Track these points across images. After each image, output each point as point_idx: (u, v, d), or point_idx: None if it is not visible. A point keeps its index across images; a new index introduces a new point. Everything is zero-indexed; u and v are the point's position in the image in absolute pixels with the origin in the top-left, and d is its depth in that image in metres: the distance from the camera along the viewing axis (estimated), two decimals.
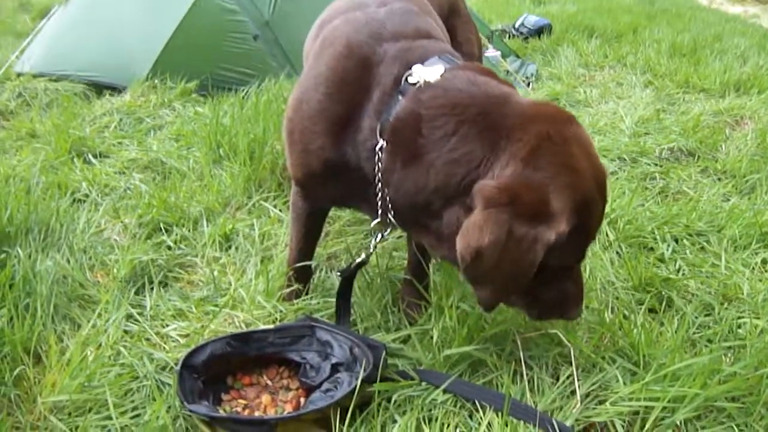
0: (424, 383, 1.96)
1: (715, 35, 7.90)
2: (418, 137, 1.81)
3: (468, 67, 1.92)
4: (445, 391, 1.91)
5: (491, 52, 6.17)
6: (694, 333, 2.30)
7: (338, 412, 1.83)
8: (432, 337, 2.15)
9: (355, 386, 1.82)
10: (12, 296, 2.38)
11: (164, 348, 2.25)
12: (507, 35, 7.83)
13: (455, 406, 1.90)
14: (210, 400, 1.96)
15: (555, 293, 1.87)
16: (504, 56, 6.18)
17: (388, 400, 1.90)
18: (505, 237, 1.61)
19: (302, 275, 2.47)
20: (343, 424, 1.81)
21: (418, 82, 1.85)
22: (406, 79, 1.87)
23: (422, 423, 1.84)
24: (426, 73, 1.86)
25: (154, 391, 1.98)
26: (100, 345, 2.23)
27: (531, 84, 5.88)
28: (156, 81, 5.26)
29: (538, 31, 7.85)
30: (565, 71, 6.29)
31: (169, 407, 1.91)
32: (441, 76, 1.84)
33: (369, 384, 1.89)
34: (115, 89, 5.41)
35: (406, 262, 2.54)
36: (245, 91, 4.83)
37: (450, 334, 2.12)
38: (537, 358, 2.08)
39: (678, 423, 1.86)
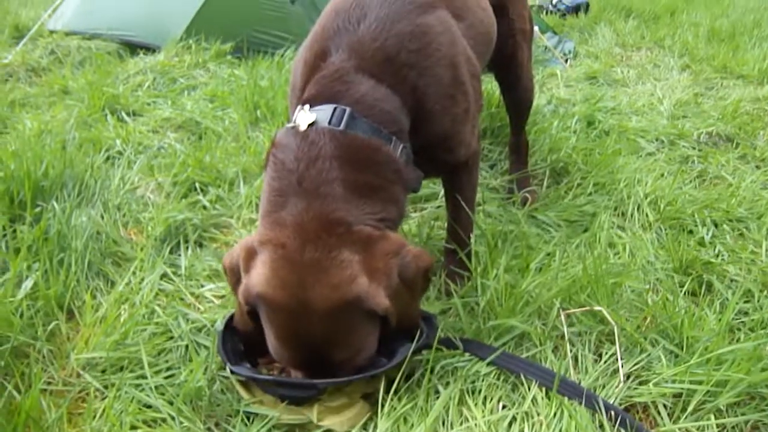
0: (467, 354, 1.91)
1: (754, 21, 7.70)
2: None
3: (323, 137, 1.74)
4: (489, 364, 1.87)
5: None
6: (733, 319, 2.24)
7: (382, 381, 1.79)
8: (473, 308, 2.11)
9: (405, 356, 1.76)
10: (47, 250, 2.38)
11: (199, 309, 2.23)
12: (544, 11, 7.76)
13: (498, 379, 1.85)
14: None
15: None
16: (542, 32, 6.09)
17: (431, 371, 1.85)
18: None
19: None
20: (387, 394, 1.76)
21: (294, 123, 1.78)
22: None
23: (465, 395, 1.80)
24: (303, 118, 1.77)
25: (191, 352, 1.95)
26: (135, 303, 2.22)
27: (569, 60, 5.80)
28: (190, 42, 5.24)
29: (576, 9, 7.75)
30: (602, 50, 6.21)
31: (206, 368, 1.88)
32: (304, 128, 1.75)
33: (415, 353, 1.83)
34: (149, 49, 5.40)
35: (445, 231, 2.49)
36: (282, 54, 4.79)
37: (494, 306, 2.08)
38: (580, 334, 2.04)
39: (721, 407, 1.81)
